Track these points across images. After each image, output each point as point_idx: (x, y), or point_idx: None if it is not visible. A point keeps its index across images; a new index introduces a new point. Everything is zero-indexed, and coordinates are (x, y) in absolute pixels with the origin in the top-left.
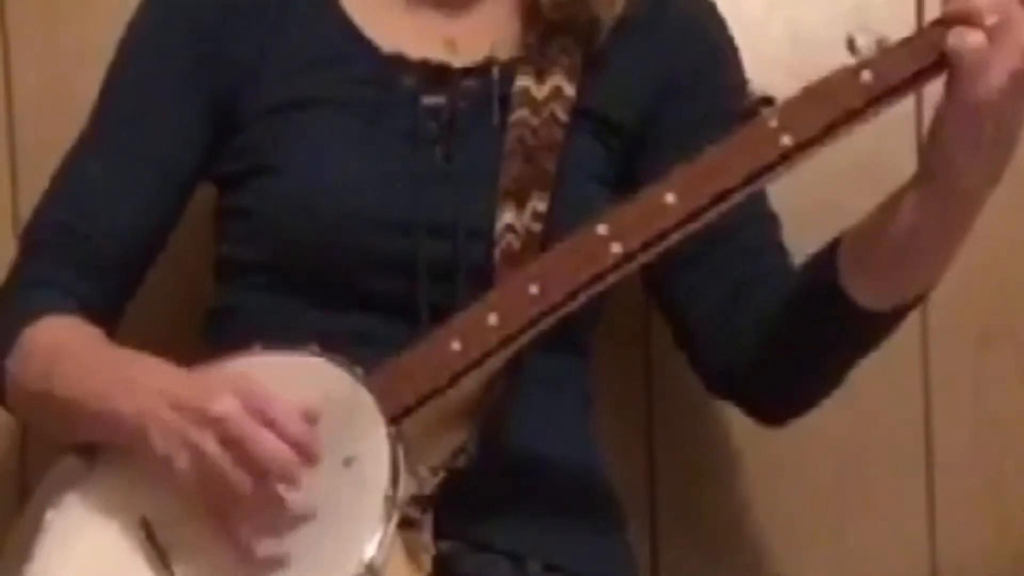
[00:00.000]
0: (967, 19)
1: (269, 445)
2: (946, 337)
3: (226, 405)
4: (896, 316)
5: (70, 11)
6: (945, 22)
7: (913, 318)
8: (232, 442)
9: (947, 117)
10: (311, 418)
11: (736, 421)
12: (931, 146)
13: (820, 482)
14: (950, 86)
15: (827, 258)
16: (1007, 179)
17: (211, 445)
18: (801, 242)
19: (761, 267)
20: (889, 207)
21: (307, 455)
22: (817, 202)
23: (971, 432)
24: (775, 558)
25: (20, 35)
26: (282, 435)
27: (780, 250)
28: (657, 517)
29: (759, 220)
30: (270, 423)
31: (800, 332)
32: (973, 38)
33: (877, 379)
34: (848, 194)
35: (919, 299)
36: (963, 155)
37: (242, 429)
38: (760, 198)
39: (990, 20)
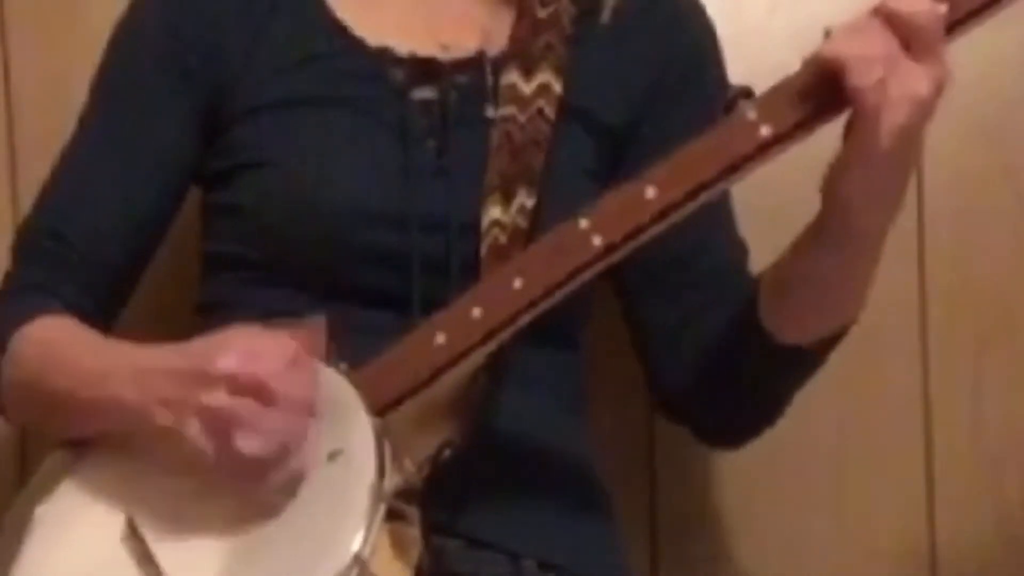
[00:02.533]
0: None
1: (285, 387)
2: (946, 337)
3: (229, 362)
4: (821, 350)
5: (69, 9)
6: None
7: (913, 318)
8: (245, 390)
9: (853, 160)
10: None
11: None
12: (830, 190)
13: (820, 482)
14: (853, 128)
15: (753, 294)
16: (1006, 181)
17: (222, 398)
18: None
19: (716, 295)
20: (792, 253)
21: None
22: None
23: (971, 432)
24: (774, 558)
25: (19, 33)
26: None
27: (740, 278)
28: (657, 517)
29: (723, 247)
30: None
31: (731, 365)
32: (873, 74)
33: (877, 379)
34: None
35: (842, 332)
36: (862, 197)
37: (250, 378)
38: (728, 224)
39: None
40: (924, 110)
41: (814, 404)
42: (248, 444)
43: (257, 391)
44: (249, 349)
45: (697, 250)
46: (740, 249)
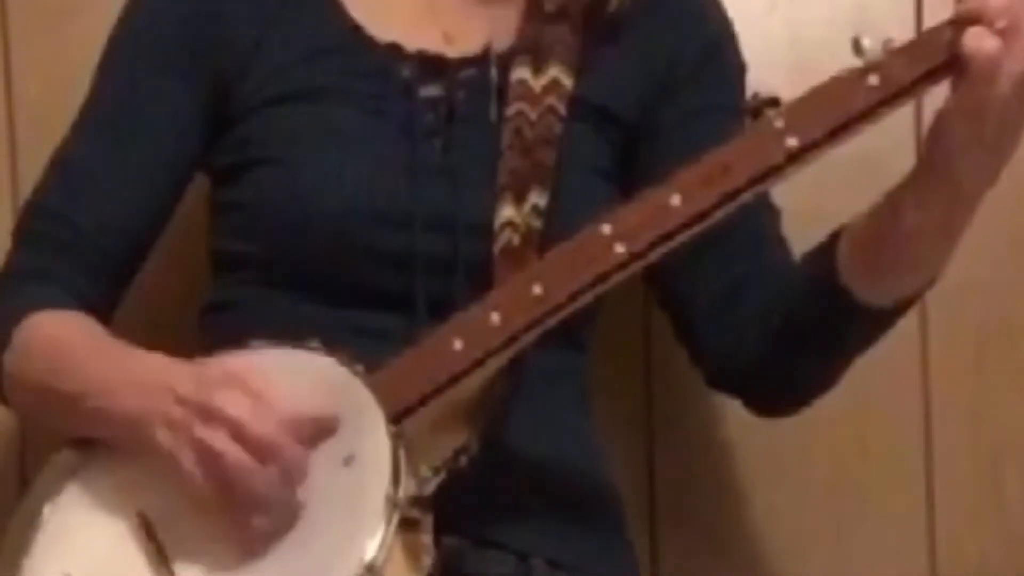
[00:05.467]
0: (978, 21)
1: (281, 441)
2: (946, 337)
3: (233, 406)
4: (898, 310)
5: (72, 13)
6: (954, 24)
7: (913, 318)
8: (242, 439)
9: (951, 119)
10: (329, 427)
11: (736, 421)
12: (932, 147)
13: (820, 482)
14: (957, 88)
15: (826, 255)
16: (1007, 179)
17: (220, 441)
18: (799, 243)
19: (762, 260)
20: (887, 206)
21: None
22: (815, 203)
23: (971, 433)
24: (774, 559)
25: (21, 37)
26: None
27: (781, 243)
28: (657, 516)
29: (761, 213)
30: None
31: (802, 328)
32: (991, 43)
33: (877, 379)
34: (847, 195)
35: (921, 293)
36: (965, 157)
37: (252, 427)
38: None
39: (1000, 23)
40: None
41: (814, 403)
42: (239, 485)
43: (256, 448)
44: (262, 401)
45: (739, 217)
46: (776, 213)
